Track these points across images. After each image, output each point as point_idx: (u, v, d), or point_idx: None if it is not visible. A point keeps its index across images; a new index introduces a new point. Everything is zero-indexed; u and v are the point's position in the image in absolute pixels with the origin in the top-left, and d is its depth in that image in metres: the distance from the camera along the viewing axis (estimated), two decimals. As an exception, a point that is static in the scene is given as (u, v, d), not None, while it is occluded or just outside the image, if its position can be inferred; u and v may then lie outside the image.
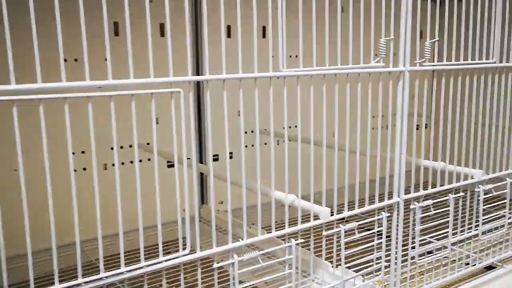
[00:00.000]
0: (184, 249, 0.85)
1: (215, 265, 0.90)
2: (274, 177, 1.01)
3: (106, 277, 0.80)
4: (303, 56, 0.99)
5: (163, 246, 0.84)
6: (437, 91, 1.27)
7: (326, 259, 1.21)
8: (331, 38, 1.01)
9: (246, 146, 1.99)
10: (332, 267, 1.24)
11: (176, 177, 0.83)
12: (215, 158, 1.89)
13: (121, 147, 1.69)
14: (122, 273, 0.82)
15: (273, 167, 0.99)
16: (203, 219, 1.92)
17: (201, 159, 1.92)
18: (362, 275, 1.18)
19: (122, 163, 1.72)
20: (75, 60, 1.53)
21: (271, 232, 1.01)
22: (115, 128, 0.78)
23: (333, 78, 1.05)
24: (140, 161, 1.80)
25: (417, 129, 1.35)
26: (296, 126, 1.06)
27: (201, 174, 1.95)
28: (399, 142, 1.18)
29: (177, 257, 0.85)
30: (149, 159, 1.79)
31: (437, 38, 1.17)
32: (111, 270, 0.81)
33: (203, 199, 1.98)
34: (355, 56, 1.05)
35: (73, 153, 1.64)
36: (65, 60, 1.52)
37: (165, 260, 0.83)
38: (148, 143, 1.68)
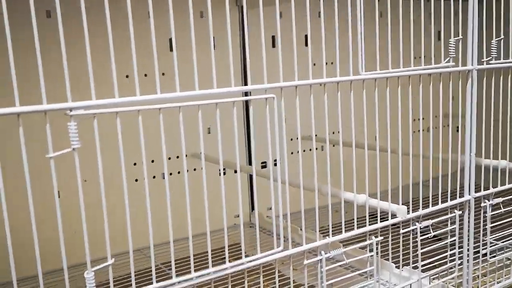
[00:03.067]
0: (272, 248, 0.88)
1: (306, 262, 0.93)
2: (343, 179, 1.01)
3: (197, 277, 0.83)
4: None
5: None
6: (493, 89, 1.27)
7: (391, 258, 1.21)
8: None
9: (291, 152, 2.01)
10: (397, 267, 1.25)
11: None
12: (263, 166, 1.92)
13: (177, 157, 1.73)
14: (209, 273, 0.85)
15: (342, 168, 0.99)
16: (254, 224, 1.95)
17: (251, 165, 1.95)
18: (430, 275, 1.18)
19: (178, 172, 1.75)
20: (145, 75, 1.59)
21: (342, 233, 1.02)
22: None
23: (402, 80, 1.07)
24: (195, 169, 1.84)
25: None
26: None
27: (251, 182, 1.98)
28: (468, 140, 1.19)
29: (272, 254, 0.87)
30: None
31: (502, 36, 1.18)
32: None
33: (253, 205, 2.01)
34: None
35: (135, 164, 1.69)
36: (126, 76, 1.59)
37: (263, 257, 0.86)
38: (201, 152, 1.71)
